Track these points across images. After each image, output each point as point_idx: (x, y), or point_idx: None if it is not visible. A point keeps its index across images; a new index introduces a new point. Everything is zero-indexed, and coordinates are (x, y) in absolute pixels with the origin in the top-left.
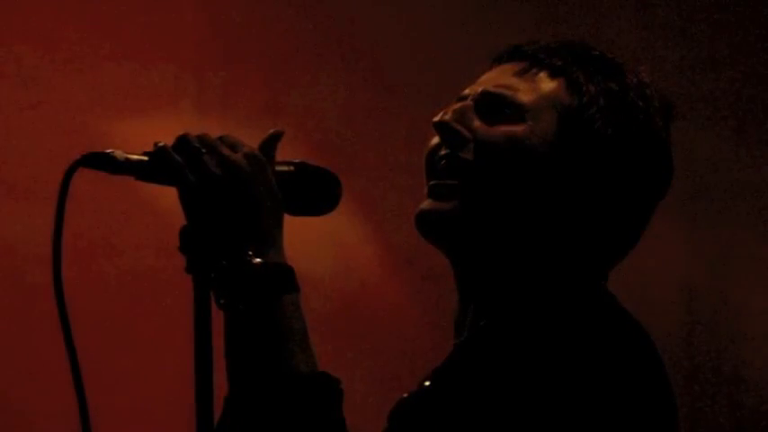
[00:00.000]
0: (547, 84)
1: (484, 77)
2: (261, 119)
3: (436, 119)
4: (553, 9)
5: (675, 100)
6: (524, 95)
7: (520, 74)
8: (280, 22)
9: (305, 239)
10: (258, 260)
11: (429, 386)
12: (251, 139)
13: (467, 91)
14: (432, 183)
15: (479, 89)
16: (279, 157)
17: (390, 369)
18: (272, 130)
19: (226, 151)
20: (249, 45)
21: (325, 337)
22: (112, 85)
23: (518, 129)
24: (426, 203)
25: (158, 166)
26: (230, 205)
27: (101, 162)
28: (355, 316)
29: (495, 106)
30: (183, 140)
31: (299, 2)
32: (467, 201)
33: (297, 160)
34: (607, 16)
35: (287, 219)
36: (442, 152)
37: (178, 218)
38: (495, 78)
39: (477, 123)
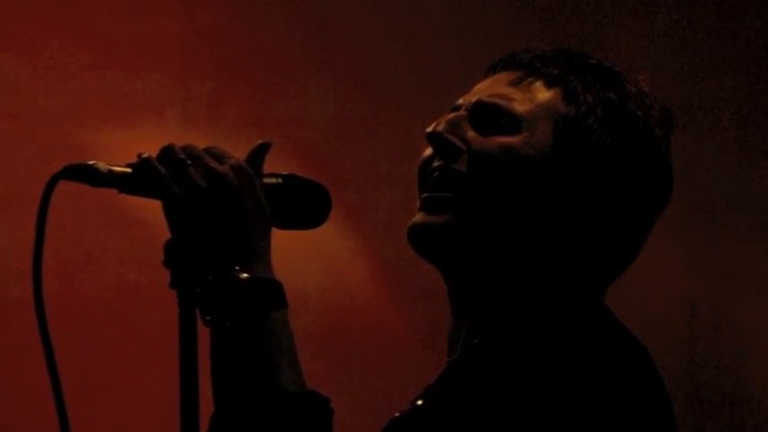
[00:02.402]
0: (543, 93)
1: (478, 87)
2: (248, 129)
3: (429, 130)
4: (550, 17)
5: (675, 110)
6: (520, 105)
7: (515, 83)
8: (267, 31)
9: (293, 254)
10: (245, 275)
11: (421, 405)
12: (238, 151)
13: (460, 101)
14: (424, 195)
15: (473, 99)
16: (267, 169)
17: (381, 387)
18: (259, 142)
19: (212, 163)
20: (236, 54)
21: (314, 355)
22: (95, 95)
23: (513, 140)
24: (419, 217)
25: (142, 178)
26: (216, 219)
27: (83, 174)
28: (345, 333)
29: (490, 117)
30: (167, 151)
31: (288, 10)
32: (460, 214)
33: (285, 172)
34: (605, 24)
35: (275, 232)
36: (435, 164)
37: (162, 231)
38: (490, 88)
39: (471, 134)
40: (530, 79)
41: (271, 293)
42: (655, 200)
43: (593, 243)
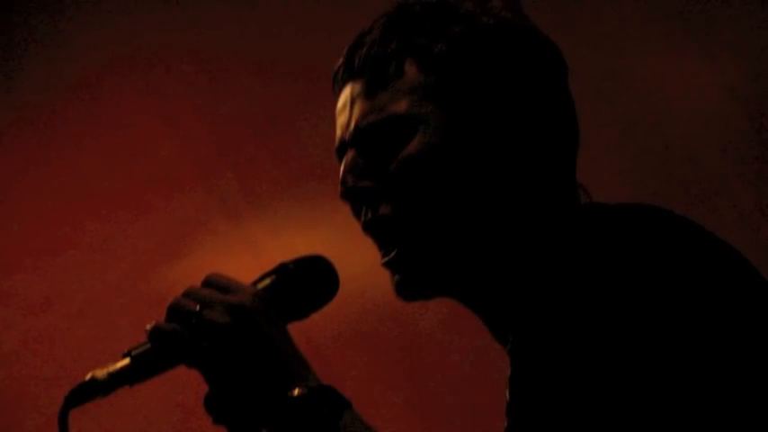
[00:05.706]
0: (403, 80)
1: (342, 116)
2: None
3: (340, 193)
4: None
5: None
6: (394, 107)
7: (372, 89)
8: None
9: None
10: (299, 390)
11: (516, 392)
12: None
13: (337, 142)
14: (382, 262)
15: (350, 130)
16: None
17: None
18: None
19: (225, 297)
20: None
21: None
22: None
23: (414, 144)
24: (396, 279)
25: (163, 351)
26: (253, 345)
27: (86, 393)
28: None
29: (378, 137)
30: (174, 307)
31: None
32: (423, 253)
33: (273, 267)
34: None
35: None
36: (364, 218)
37: None
38: (355, 110)
39: (374, 167)
40: (380, 75)
41: (332, 396)
42: (547, 67)
43: (540, 152)
